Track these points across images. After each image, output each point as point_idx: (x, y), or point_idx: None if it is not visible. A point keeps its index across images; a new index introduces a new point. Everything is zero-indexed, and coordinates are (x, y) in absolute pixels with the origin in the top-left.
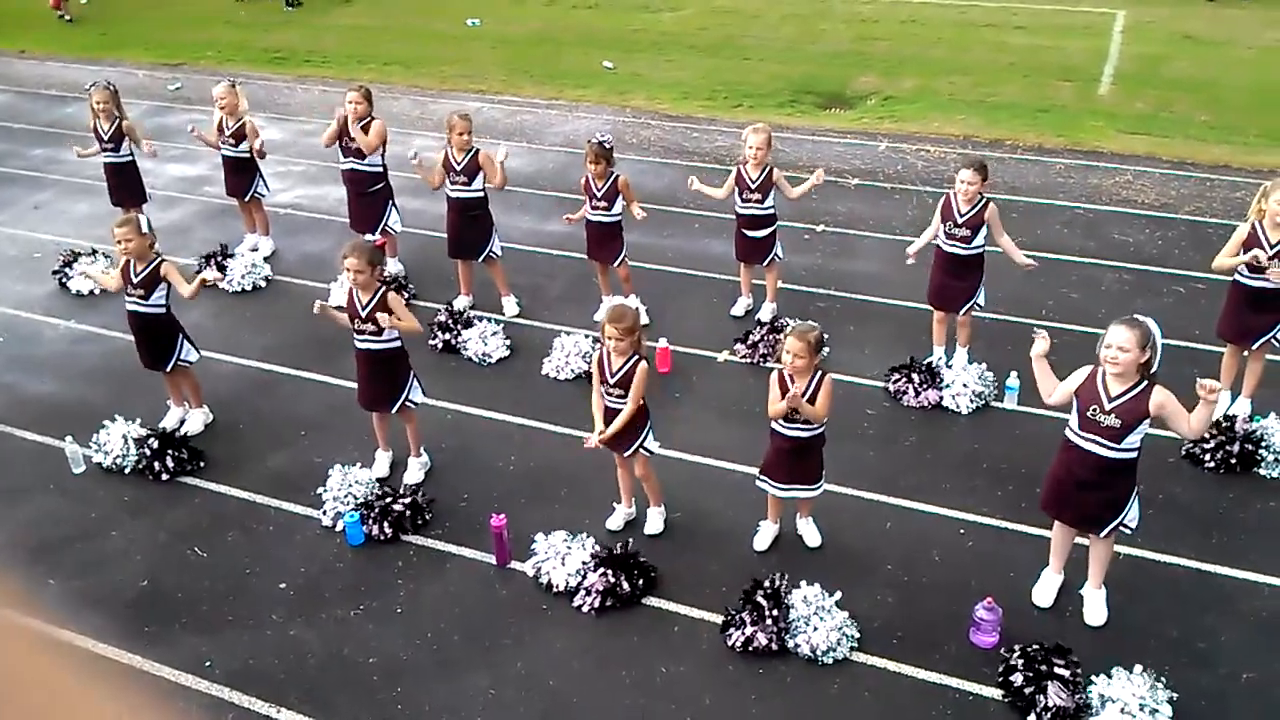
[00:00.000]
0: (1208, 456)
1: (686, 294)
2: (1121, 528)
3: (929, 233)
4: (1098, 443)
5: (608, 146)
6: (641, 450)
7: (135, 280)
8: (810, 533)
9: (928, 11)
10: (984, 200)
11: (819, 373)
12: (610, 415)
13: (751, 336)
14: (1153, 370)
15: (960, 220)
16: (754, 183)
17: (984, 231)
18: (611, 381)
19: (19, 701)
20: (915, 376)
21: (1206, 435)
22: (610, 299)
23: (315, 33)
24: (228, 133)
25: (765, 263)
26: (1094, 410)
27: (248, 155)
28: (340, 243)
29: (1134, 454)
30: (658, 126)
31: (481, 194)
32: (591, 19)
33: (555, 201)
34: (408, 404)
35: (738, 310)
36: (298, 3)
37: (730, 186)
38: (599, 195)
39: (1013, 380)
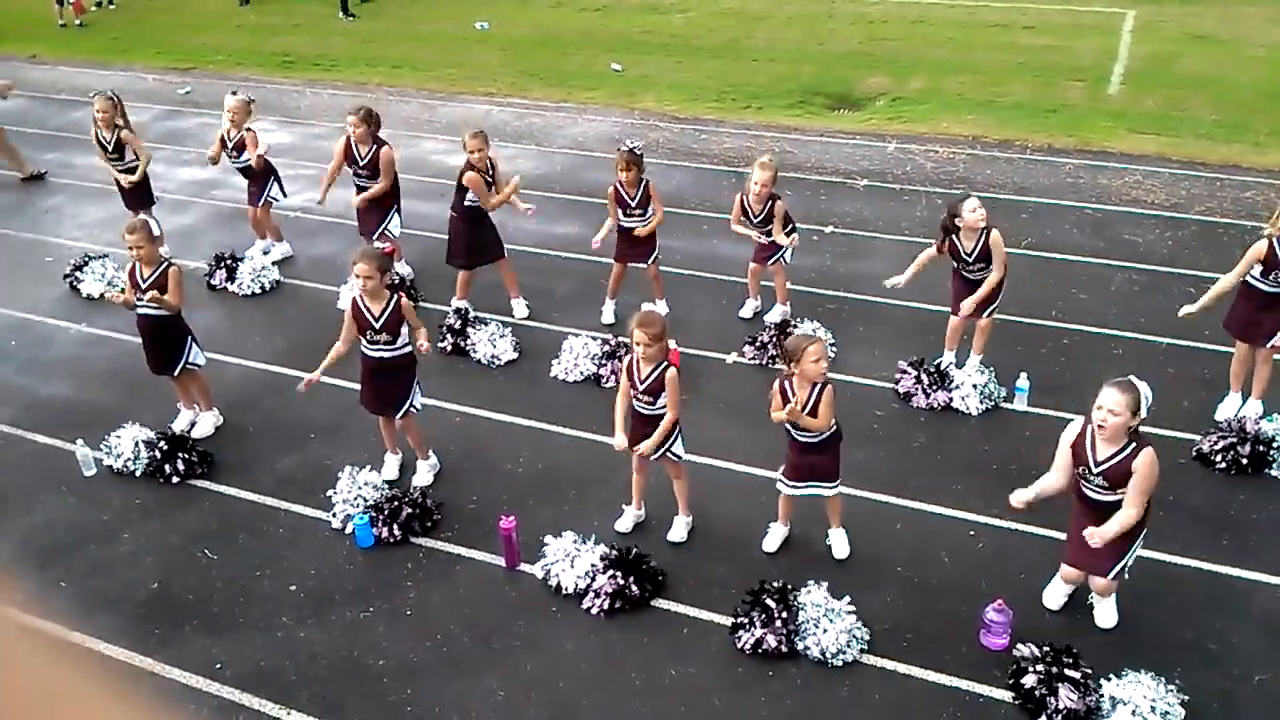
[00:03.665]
0: (1218, 458)
1: (695, 295)
2: (1123, 574)
3: (925, 256)
4: (1097, 489)
5: (638, 152)
6: (670, 455)
7: (143, 284)
8: (840, 543)
9: (936, 12)
10: (985, 231)
11: (821, 382)
12: (639, 420)
13: (760, 338)
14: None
15: (970, 261)
16: (757, 217)
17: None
18: (640, 389)
19: (20, 704)
20: (924, 378)
21: (1216, 435)
22: (613, 302)
23: (324, 37)
24: (230, 145)
25: (770, 263)
26: (1083, 470)
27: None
28: (349, 247)
29: None
30: (666, 128)
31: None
32: (599, 21)
33: (564, 204)
34: (411, 408)
35: (746, 312)
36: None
37: (736, 213)
38: (634, 204)
39: (1022, 381)
